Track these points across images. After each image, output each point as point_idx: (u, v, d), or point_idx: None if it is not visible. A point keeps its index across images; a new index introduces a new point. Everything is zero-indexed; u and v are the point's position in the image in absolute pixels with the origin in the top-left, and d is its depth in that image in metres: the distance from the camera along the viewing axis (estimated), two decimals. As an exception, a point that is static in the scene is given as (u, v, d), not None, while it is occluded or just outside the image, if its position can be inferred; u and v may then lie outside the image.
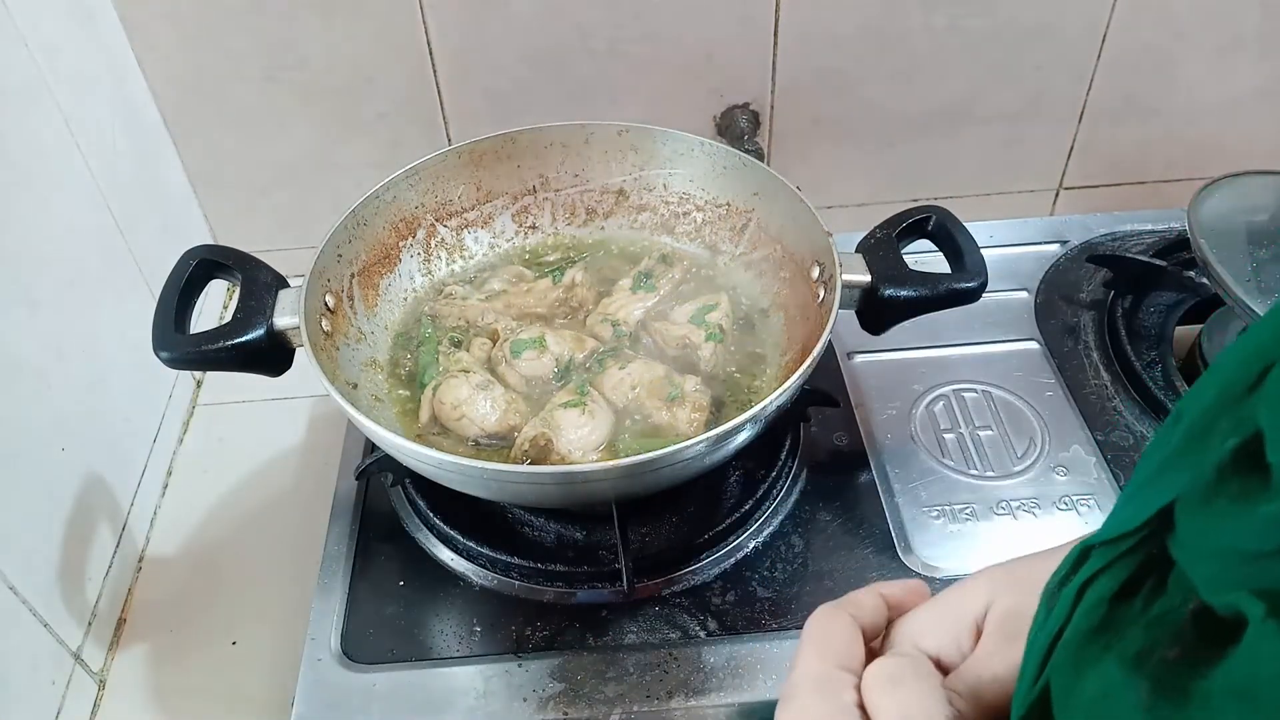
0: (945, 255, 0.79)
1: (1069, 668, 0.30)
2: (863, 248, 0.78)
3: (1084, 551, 0.32)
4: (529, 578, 0.76)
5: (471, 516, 0.78)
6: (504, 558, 0.76)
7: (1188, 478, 0.28)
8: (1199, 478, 0.28)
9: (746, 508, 0.78)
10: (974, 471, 0.83)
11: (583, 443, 0.74)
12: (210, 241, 1.10)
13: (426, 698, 0.70)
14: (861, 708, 0.39)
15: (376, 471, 0.80)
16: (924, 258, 0.79)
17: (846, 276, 0.75)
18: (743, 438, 0.69)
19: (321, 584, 0.77)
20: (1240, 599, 0.24)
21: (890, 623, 0.45)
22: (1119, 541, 0.31)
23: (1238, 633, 0.24)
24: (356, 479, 0.82)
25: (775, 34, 0.99)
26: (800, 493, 0.82)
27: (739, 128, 1.05)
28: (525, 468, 0.72)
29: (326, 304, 0.79)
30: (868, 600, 0.45)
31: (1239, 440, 0.26)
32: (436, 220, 0.91)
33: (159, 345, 0.71)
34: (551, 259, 0.93)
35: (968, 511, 0.80)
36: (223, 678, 0.78)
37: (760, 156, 1.06)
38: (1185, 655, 0.27)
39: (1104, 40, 1.02)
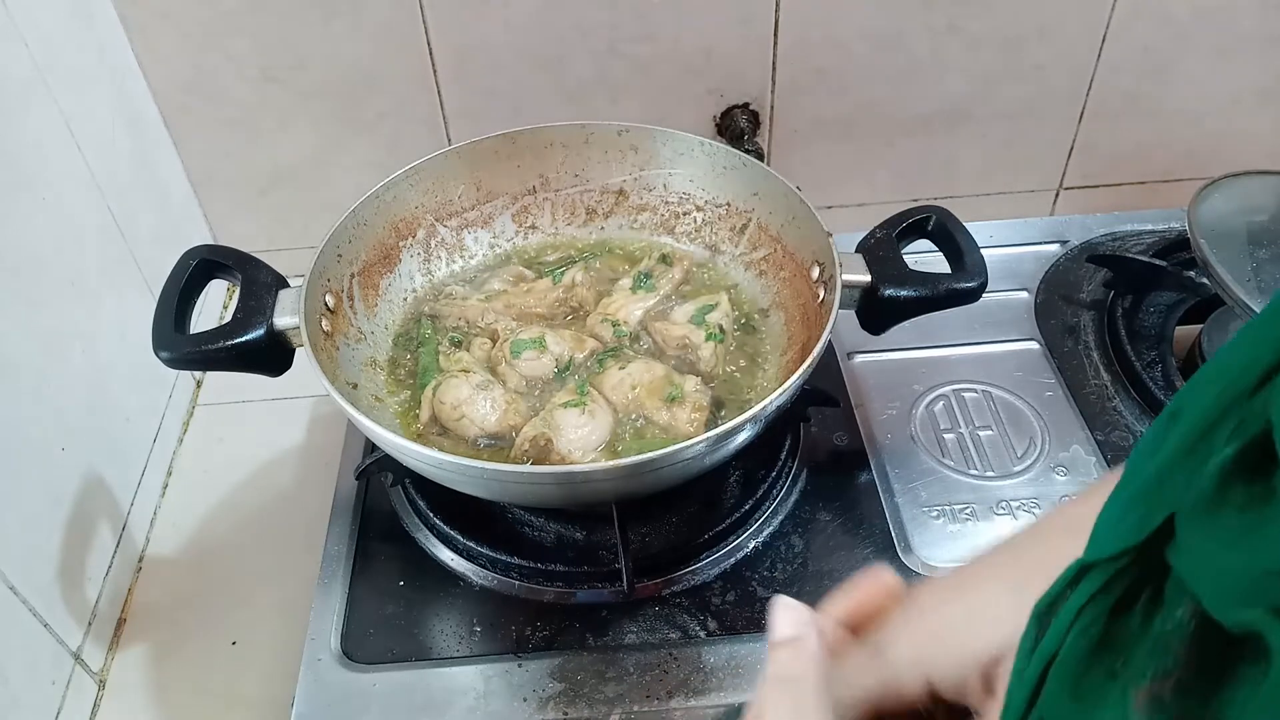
0: (945, 255, 0.79)
1: (1068, 696, 0.28)
2: (863, 248, 0.78)
3: (1081, 569, 0.30)
4: (529, 578, 0.76)
5: (471, 516, 0.78)
6: (504, 558, 0.76)
7: (1188, 486, 0.27)
8: (1201, 486, 0.26)
9: (746, 508, 0.78)
10: (974, 471, 0.83)
11: (583, 443, 0.74)
12: (210, 241, 1.10)
13: (426, 698, 0.70)
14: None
15: (376, 471, 0.80)
16: (924, 258, 0.79)
17: (846, 276, 0.75)
18: (743, 438, 0.69)
19: (321, 584, 0.77)
20: (1258, 619, 0.23)
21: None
22: (1120, 558, 0.29)
23: (1246, 648, 0.23)
24: (356, 479, 0.83)
25: (775, 34, 0.99)
26: (800, 493, 0.82)
27: (739, 128, 1.05)
28: (525, 468, 0.72)
29: (326, 304, 0.79)
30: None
31: (1242, 443, 0.25)
32: (436, 220, 0.91)
33: (159, 345, 0.71)
34: (551, 259, 0.93)
35: (968, 511, 0.80)
36: (223, 678, 0.78)
37: (760, 156, 1.06)
38: (1197, 678, 0.25)
39: (1104, 40, 1.02)
